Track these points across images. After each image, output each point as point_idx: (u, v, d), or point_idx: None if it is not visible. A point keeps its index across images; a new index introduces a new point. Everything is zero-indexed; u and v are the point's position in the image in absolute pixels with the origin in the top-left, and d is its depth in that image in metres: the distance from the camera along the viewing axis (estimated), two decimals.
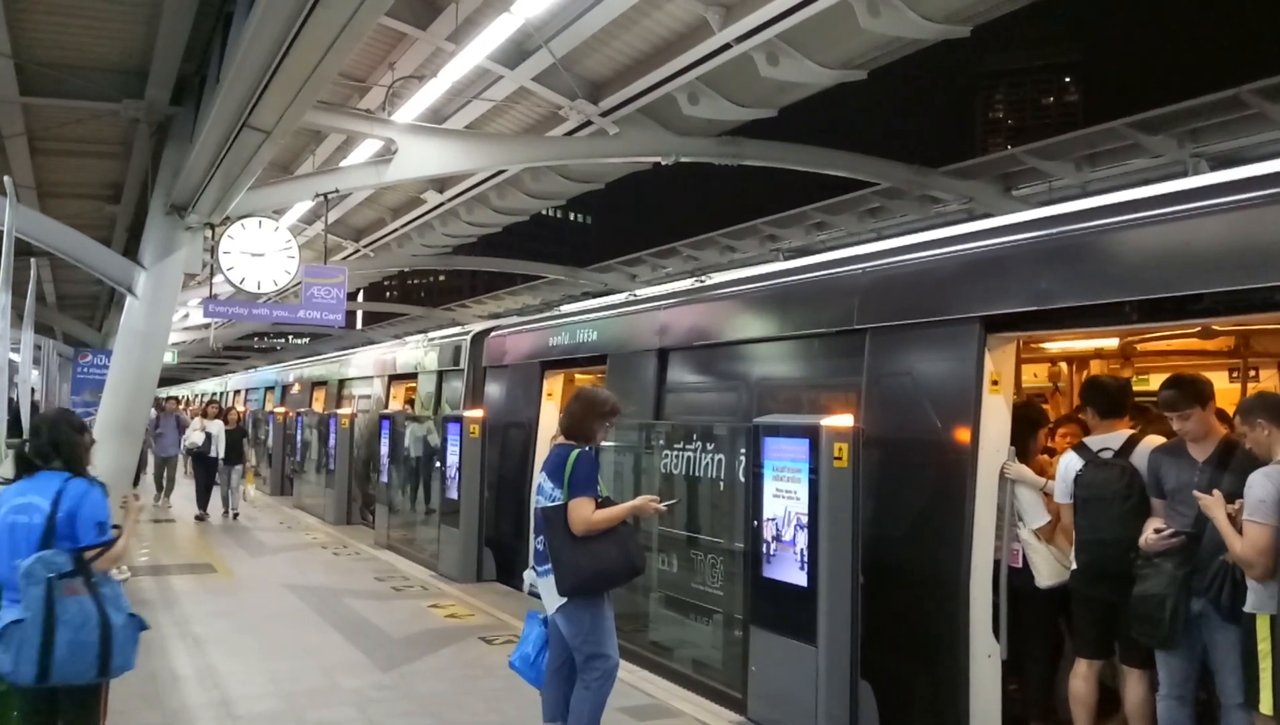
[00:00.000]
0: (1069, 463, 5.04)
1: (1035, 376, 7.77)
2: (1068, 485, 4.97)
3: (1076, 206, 5.53)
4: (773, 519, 5.54)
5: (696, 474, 6.72)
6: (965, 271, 5.59)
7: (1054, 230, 5.21)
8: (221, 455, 14.77)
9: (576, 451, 4.69)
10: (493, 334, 12.51)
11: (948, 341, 5.53)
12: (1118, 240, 4.85)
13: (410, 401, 15.49)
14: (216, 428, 14.84)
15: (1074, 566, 4.97)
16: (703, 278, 9.32)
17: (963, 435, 5.33)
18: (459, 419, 10.59)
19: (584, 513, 4.56)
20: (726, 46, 8.49)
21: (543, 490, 4.75)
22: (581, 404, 4.88)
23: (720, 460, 6.49)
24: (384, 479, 13.04)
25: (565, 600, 4.66)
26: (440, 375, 14.07)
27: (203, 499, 14.95)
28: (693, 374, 8.36)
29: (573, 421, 4.86)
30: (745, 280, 8.08)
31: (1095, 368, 7.55)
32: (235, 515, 14.81)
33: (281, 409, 21.75)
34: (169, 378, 45.40)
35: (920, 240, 6.42)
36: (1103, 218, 5.00)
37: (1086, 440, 5.09)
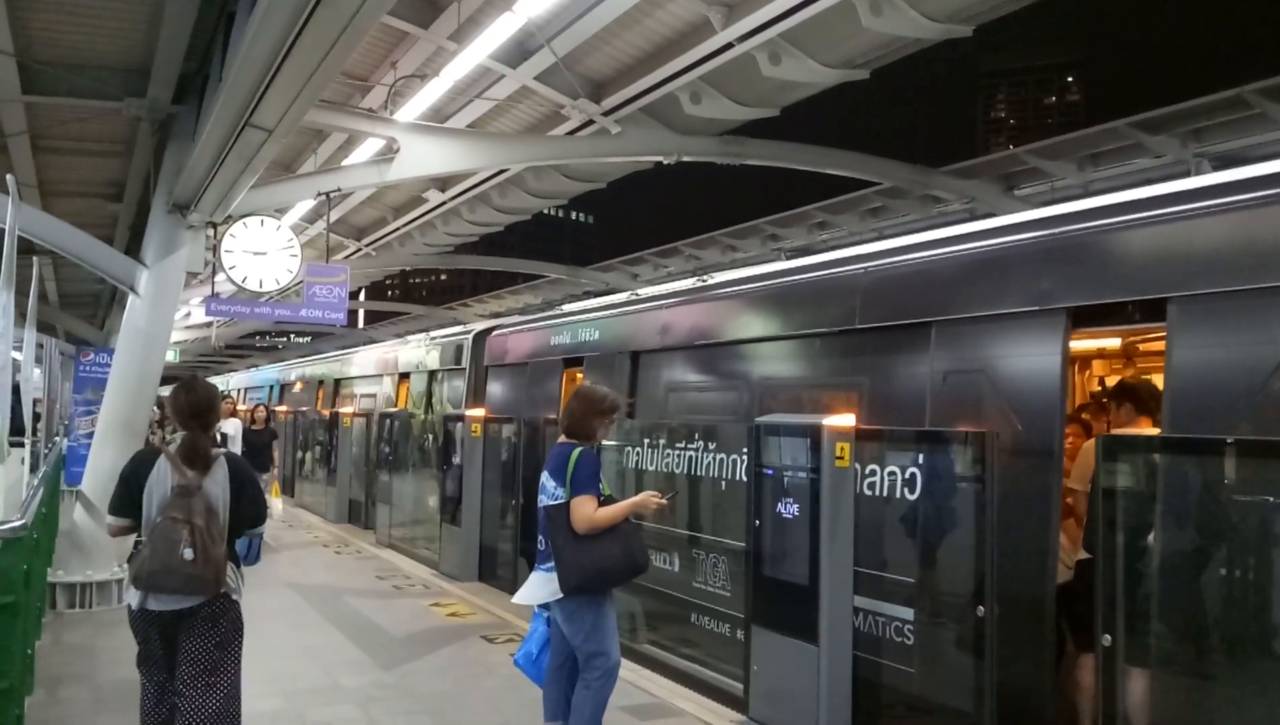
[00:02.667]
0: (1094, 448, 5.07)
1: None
2: (1089, 470, 4.98)
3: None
4: (774, 517, 5.55)
5: (704, 474, 6.73)
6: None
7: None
8: None
9: (578, 450, 4.69)
10: (494, 333, 12.54)
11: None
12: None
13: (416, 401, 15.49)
14: (233, 427, 13.00)
15: (1081, 555, 4.97)
16: (704, 277, 9.34)
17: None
18: (461, 418, 10.60)
19: (586, 511, 4.56)
20: (728, 46, 8.48)
21: (545, 489, 4.75)
22: (581, 402, 4.86)
23: (722, 459, 6.50)
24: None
25: (565, 598, 4.66)
26: (442, 374, 14.09)
27: None
28: (696, 373, 8.38)
29: (573, 420, 4.84)
30: (759, 276, 8.05)
31: (1098, 368, 7.55)
32: None
33: (284, 408, 21.74)
34: (171, 376, 45.38)
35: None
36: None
37: (1116, 432, 5.12)
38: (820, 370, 6.95)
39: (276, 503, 14.00)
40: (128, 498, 4.25)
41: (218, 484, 4.20)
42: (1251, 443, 4.03)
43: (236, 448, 12.71)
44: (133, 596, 4.15)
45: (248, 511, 4.32)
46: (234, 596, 4.24)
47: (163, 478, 4.17)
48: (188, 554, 4.00)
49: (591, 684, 4.63)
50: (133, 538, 4.24)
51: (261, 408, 14.44)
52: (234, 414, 13.79)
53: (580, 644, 4.67)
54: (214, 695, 4.13)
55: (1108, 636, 4.03)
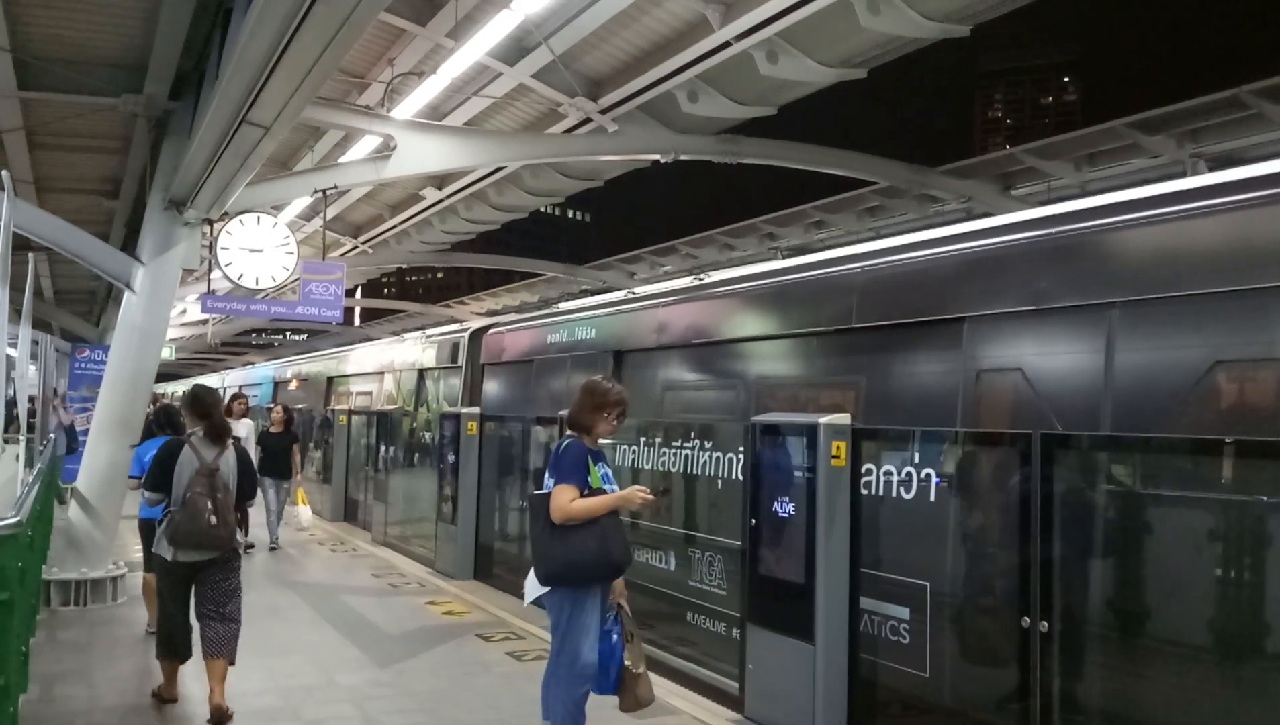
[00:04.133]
0: None
1: None
2: None
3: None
4: (771, 517, 5.54)
5: (700, 472, 6.72)
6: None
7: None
8: (255, 465, 12.20)
9: (568, 440, 4.68)
10: (490, 331, 12.54)
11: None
12: None
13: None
14: (245, 429, 11.68)
15: None
16: (701, 276, 9.35)
17: None
18: (457, 416, 10.60)
19: (561, 501, 4.50)
20: (726, 44, 8.48)
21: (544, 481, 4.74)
22: (585, 395, 4.80)
23: (718, 458, 6.50)
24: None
25: (547, 590, 4.63)
26: (439, 372, 14.07)
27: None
28: (694, 372, 8.38)
29: (573, 412, 4.81)
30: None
31: None
32: (274, 545, 11.76)
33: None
34: (166, 373, 45.42)
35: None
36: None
37: None
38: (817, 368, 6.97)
39: (304, 510, 12.71)
40: (161, 476, 5.61)
41: (229, 466, 5.69)
42: (1174, 441, 4.24)
43: (250, 450, 11.18)
44: (166, 550, 5.51)
45: (247, 489, 5.87)
46: (240, 548, 5.79)
47: (189, 461, 5.58)
48: (212, 520, 5.46)
49: (560, 677, 4.58)
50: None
51: (280, 409, 12.96)
52: (245, 414, 12.37)
53: (554, 636, 4.63)
54: (231, 612, 5.66)
55: (1045, 623, 4.25)
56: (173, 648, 5.74)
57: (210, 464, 5.57)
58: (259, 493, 11.28)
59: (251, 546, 11.09)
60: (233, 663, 5.63)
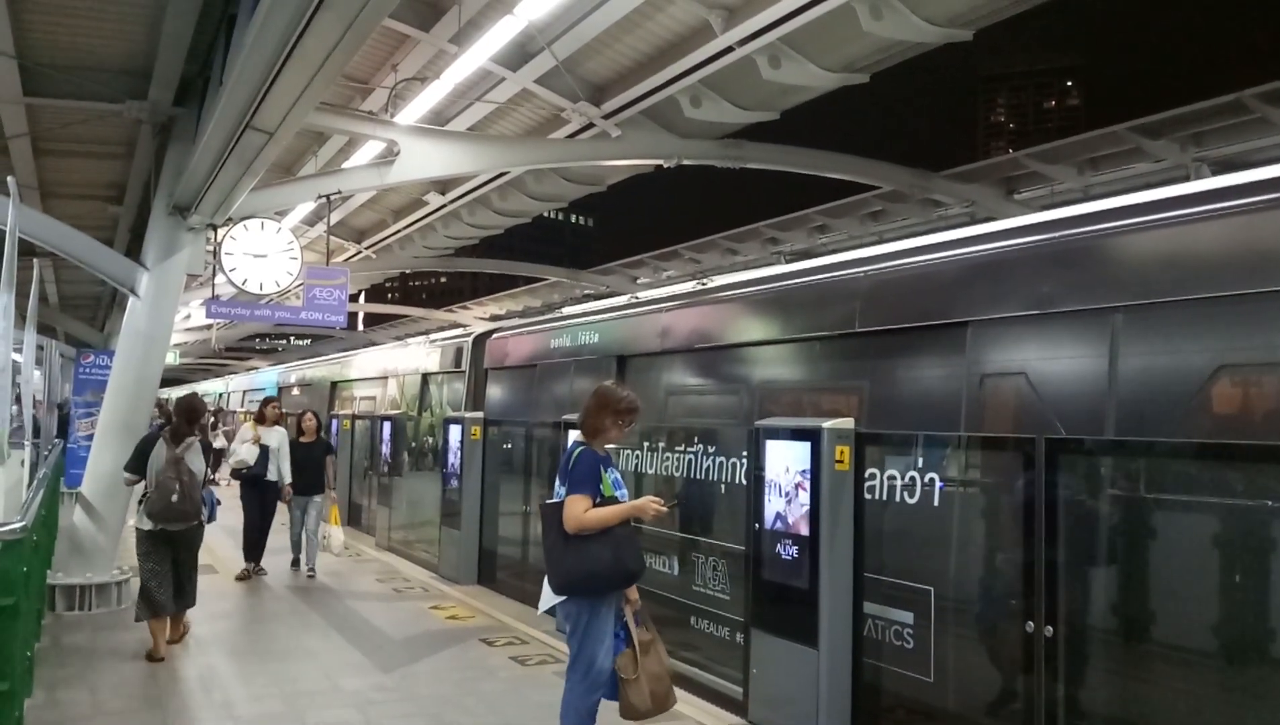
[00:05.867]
0: None
1: None
2: None
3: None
4: (774, 521, 5.54)
5: (704, 477, 6.72)
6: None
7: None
8: (287, 479, 10.54)
9: (580, 448, 4.65)
10: (494, 336, 12.55)
11: None
12: None
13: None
14: (276, 438, 10.64)
15: None
16: (704, 280, 9.35)
17: None
18: (461, 420, 10.61)
19: (575, 511, 4.48)
20: (729, 49, 8.49)
21: (555, 487, 4.72)
22: (596, 400, 4.77)
23: (721, 462, 6.50)
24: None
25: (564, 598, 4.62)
26: (442, 377, 14.08)
27: (254, 544, 10.49)
28: (698, 377, 8.37)
29: (586, 417, 4.77)
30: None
31: None
32: (311, 572, 10.51)
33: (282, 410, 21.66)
34: (171, 378, 45.49)
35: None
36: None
37: None
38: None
39: (336, 532, 10.77)
40: (138, 462, 7.05)
41: (196, 456, 7.10)
42: (1179, 445, 4.23)
43: (284, 463, 10.60)
44: (144, 522, 6.90)
45: (208, 476, 7.32)
46: (204, 522, 7.17)
47: (160, 451, 6.99)
48: (175, 498, 6.84)
49: (575, 686, 4.57)
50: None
51: (311, 416, 11.35)
52: (278, 422, 11.09)
53: (570, 642, 4.62)
54: (195, 576, 7.28)
55: (1050, 628, 4.28)
56: (153, 605, 6.90)
57: (177, 454, 6.95)
58: (288, 511, 10.81)
59: (264, 572, 10.51)
60: (193, 604, 7.31)
